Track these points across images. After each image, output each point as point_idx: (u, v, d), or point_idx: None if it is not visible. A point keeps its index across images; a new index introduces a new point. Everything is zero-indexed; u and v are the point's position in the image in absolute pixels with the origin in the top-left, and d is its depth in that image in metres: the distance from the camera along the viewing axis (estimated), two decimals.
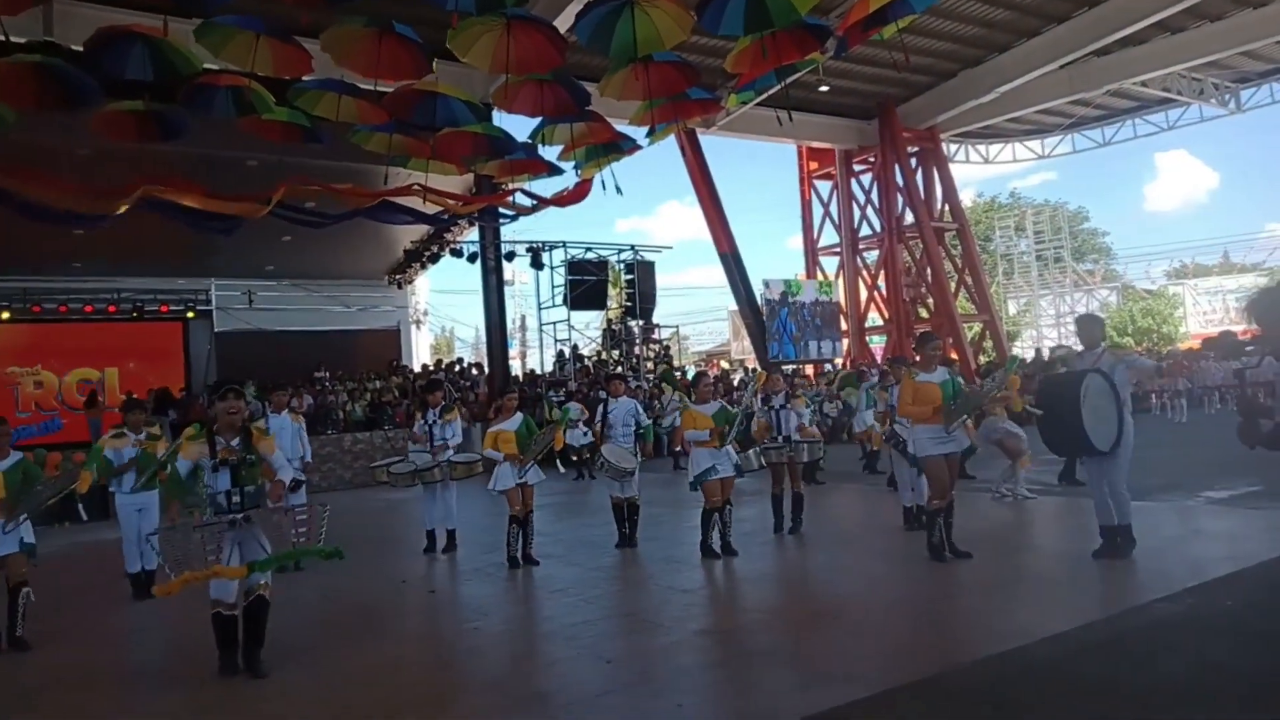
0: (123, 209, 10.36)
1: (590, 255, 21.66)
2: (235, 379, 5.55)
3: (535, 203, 13.41)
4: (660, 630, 5.34)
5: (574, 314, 21.77)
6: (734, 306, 30.95)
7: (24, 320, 19.71)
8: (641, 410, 9.19)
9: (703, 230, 33.26)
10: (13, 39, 7.77)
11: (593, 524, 9.56)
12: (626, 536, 8.26)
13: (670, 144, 16.38)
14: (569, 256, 21.12)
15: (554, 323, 21.87)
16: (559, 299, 21.29)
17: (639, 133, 11.63)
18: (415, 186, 12.16)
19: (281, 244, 18.89)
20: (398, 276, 24.27)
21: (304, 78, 9.00)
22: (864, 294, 27.67)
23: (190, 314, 21.24)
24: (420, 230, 20.46)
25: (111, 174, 10.70)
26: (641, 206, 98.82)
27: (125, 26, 7.80)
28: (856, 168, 27.30)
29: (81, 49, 7.88)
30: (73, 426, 18.12)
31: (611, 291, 23.46)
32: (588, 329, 24.97)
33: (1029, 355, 27.99)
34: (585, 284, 21.03)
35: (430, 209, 13.71)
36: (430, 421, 8.82)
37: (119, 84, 8.23)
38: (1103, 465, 6.31)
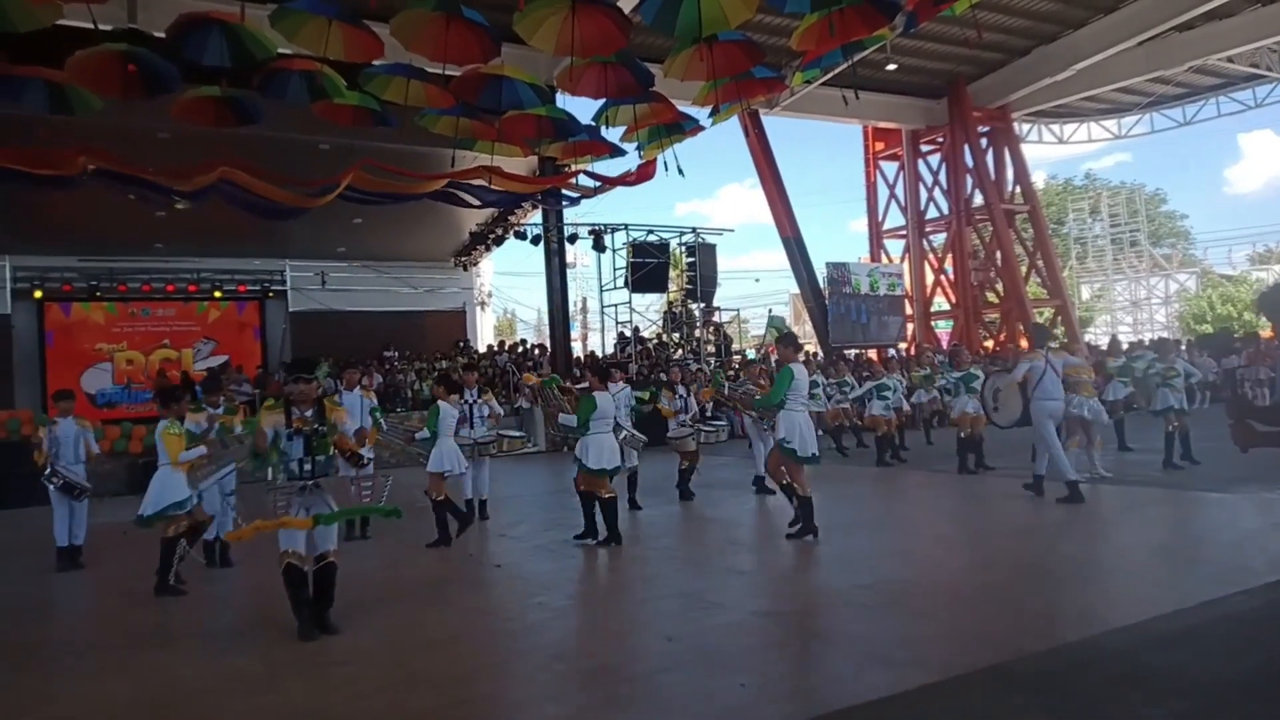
0: (198, 187, 10.79)
1: (652, 238, 21.66)
2: (310, 357, 5.77)
3: (599, 184, 13.47)
4: (720, 610, 5.36)
5: (635, 296, 21.82)
6: (796, 290, 30.65)
7: (111, 299, 20.67)
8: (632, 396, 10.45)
9: (764, 213, 32.93)
10: (99, 27, 8.04)
11: (651, 504, 9.63)
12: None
13: (731, 126, 16.27)
14: (631, 239, 21.16)
15: (615, 305, 21.97)
16: (620, 281, 21.36)
17: (702, 114, 11.59)
18: (481, 169, 12.35)
19: (352, 226, 19.34)
20: (463, 259, 24.63)
21: (374, 62, 9.18)
22: (930, 278, 27.11)
23: (269, 295, 22.16)
24: (485, 213, 20.72)
25: (190, 156, 11.04)
26: (701, 189, 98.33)
27: (204, 13, 8.02)
28: (924, 148, 26.69)
29: (163, 35, 8.14)
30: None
31: (672, 274, 23.43)
32: (648, 311, 25.02)
33: (1103, 342, 27.08)
34: (647, 266, 21.05)
35: (495, 191, 13.93)
36: (469, 401, 9.20)
37: (198, 70, 8.49)
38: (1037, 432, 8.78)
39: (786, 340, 7.89)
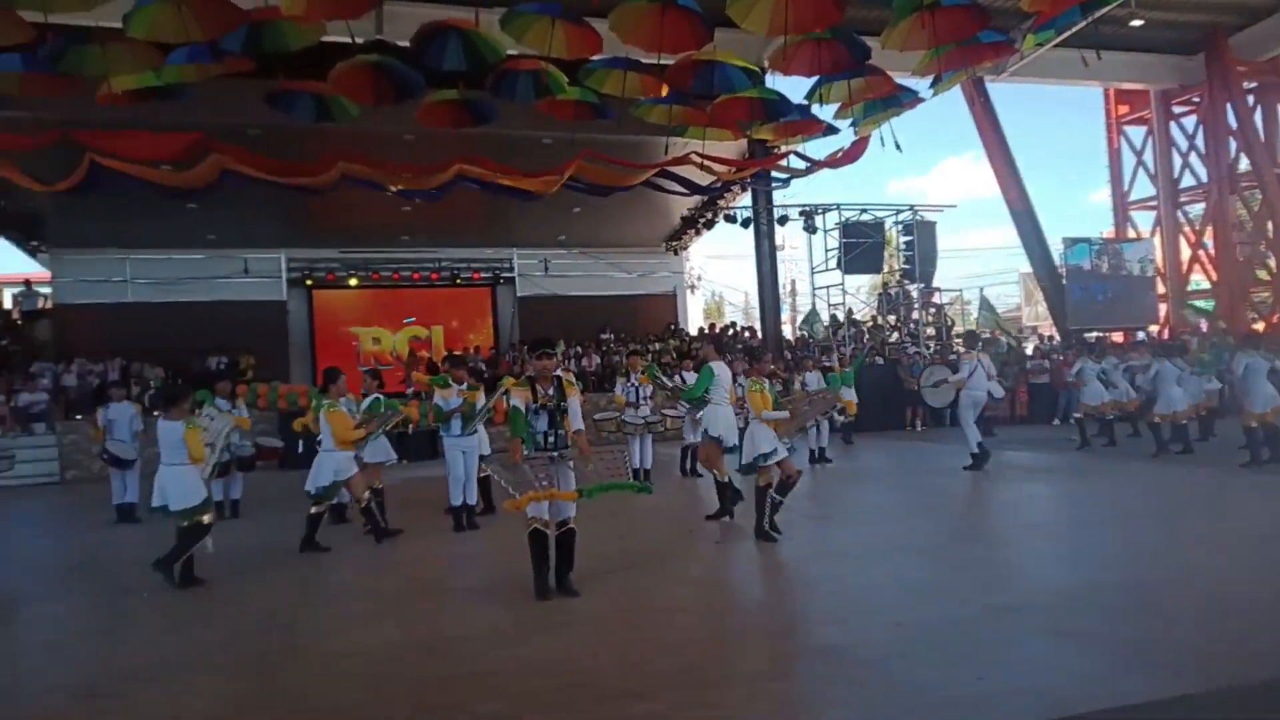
0: (440, 184, 11.77)
1: (865, 217, 20.99)
2: (549, 337, 6.16)
3: (809, 165, 13.25)
4: (953, 600, 5.18)
5: (847, 278, 21.25)
6: (1026, 268, 28.55)
7: (367, 287, 23.13)
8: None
9: (984, 187, 30.94)
10: (352, 40, 8.93)
11: (865, 491, 9.41)
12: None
13: (948, 99, 15.31)
14: (843, 219, 20.61)
15: (826, 287, 21.51)
16: (832, 262, 20.88)
17: (922, 84, 11.08)
18: (693, 155, 12.53)
19: (572, 215, 20.29)
20: (674, 243, 25.10)
21: (593, 58, 9.56)
22: (1186, 253, 24.27)
23: (499, 282, 24.03)
24: (695, 198, 21.00)
25: (432, 156, 12.04)
26: (916, 165, 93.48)
27: (443, 21, 8.72)
28: (1176, 110, 23.83)
29: (408, 45, 8.92)
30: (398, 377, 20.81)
31: (887, 254, 22.59)
32: (858, 293, 24.30)
33: None
34: (860, 246, 20.43)
35: (704, 179, 14.09)
36: (634, 384, 10.84)
37: (438, 75, 9.23)
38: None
39: (710, 341, 9.80)
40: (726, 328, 24.88)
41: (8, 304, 24.02)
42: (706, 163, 12.57)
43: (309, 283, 22.82)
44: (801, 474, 6.93)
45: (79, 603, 6.33)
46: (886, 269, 22.72)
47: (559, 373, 5.58)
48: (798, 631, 4.72)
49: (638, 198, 16.30)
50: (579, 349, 21.11)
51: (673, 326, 24.67)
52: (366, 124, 11.12)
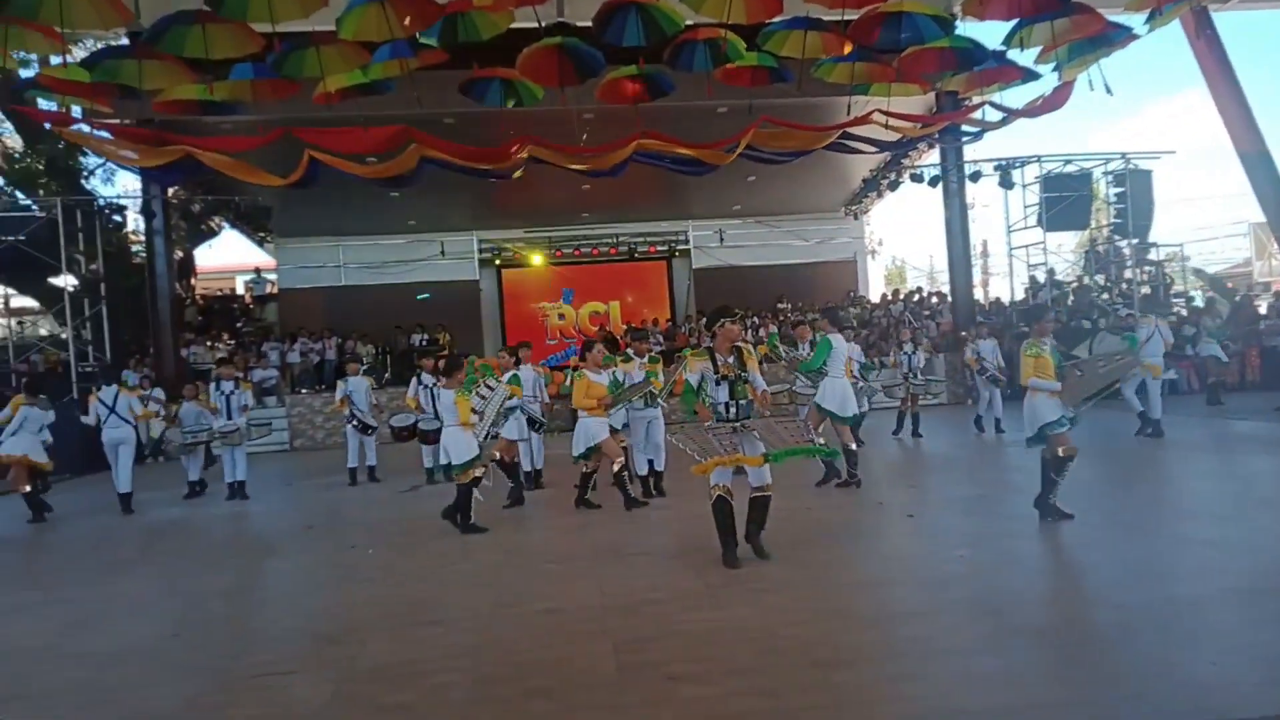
0: (620, 160, 11.96)
1: (1070, 169, 19.37)
2: (728, 306, 6.12)
3: (1006, 115, 12.38)
4: (1177, 581, 4.76)
5: (1049, 235, 19.73)
6: (1259, 218, 25.42)
7: (551, 264, 24.03)
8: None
9: (1205, 132, 27.61)
10: (539, 24, 9.20)
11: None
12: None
13: (1162, 34, 13.77)
14: (1044, 172, 19.12)
15: (1025, 246, 20.09)
16: (1031, 219, 19.45)
17: (1136, 20, 10.05)
18: (876, 113, 12.03)
19: (746, 184, 20.09)
20: (853, 208, 24.31)
21: (772, 20, 9.35)
22: None
23: (675, 254, 24.29)
24: (877, 159, 20.18)
25: (611, 133, 12.24)
26: (1123, 110, 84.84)
27: None
28: None
29: (589, 25, 9.08)
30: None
31: (1094, 207, 20.76)
32: (1059, 250, 22.47)
33: None
34: (1063, 201, 18.88)
35: (889, 137, 13.49)
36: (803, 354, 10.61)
37: (618, 51, 9.35)
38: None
39: (824, 314, 9.44)
40: (912, 293, 23.87)
41: (240, 289, 26.95)
42: (892, 121, 12.03)
43: (497, 262, 24.01)
44: (1076, 451, 6.36)
45: (314, 558, 7.04)
46: (1094, 224, 20.91)
47: (739, 343, 5.56)
48: (1009, 610, 4.47)
49: (816, 162, 15.86)
50: (755, 319, 20.98)
51: (851, 294, 23.98)
52: (550, 106, 11.46)
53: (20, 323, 21.86)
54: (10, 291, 20.37)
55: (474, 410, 7.56)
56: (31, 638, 5.15)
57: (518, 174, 11.94)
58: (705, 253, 24.25)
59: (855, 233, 25.47)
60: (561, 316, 24.32)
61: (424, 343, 20.49)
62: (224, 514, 9.60)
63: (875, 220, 28.18)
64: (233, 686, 4.08)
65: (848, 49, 9.79)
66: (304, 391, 18.17)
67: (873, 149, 13.84)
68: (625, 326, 20.76)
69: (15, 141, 24.10)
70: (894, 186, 21.85)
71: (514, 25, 8.98)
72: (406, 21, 7.89)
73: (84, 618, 5.50)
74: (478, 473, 7.36)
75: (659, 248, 24.37)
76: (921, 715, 3.35)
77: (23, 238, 15.97)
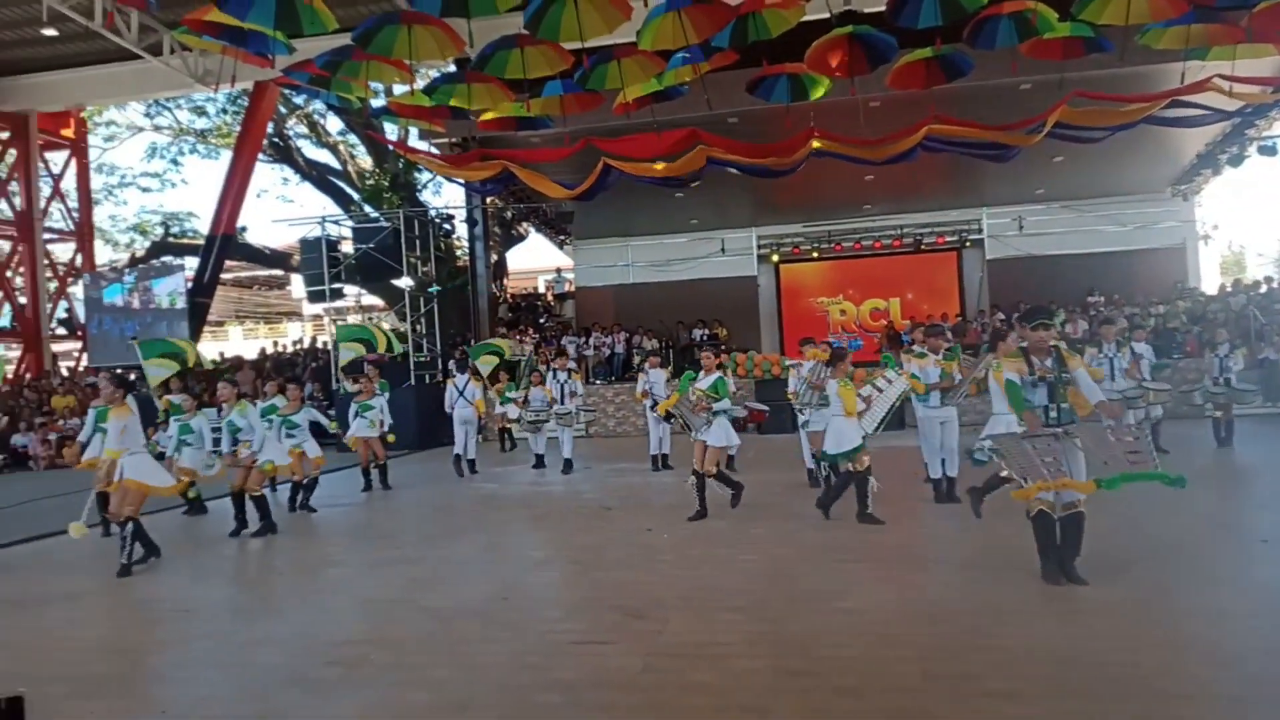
0: (907, 148, 11.47)
1: None
2: (1045, 306, 5.70)
3: None
4: None
5: None
6: None
7: (829, 258, 23.81)
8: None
9: None
10: (830, 15, 9.07)
11: None
12: None
13: None
14: None
15: None
16: None
17: None
18: (1214, 79, 10.49)
19: (1052, 166, 18.43)
20: (1183, 187, 21.40)
21: None
22: None
23: (966, 245, 22.95)
24: (1213, 130, 17.56)
25: (901, 120, 11.76)
26: None
27: None
28: None
29: (882, 9, 8.79)
30: (870, 347, 20.94)
31: None
32: None
33: None
34: None
35: (1231, 104, 11.70)
36: (1107, 355, 10.31)
37: (911, 34, 8.98)
38: None
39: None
40: (1257, 283, 20.57)
41: (541, 288, 29.47)
42: (1236, 87, 10.43)
43: (775, 258, 24.07)
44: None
45: (616, 535, 7.53)
46: None
47: (1056, 343, 5.13)
48: None
49: (1138, 137, 14.15)
50: (1063, 314, 19.17)
51: (1180, 285, 21.14)
52: (836, 97, 11.26)
53: (370, 318, 25.62)
54: (361, 291, 23.93)
55: (861, 397, 7.65)
56: (388, 589, 6.04)
57: (798, 165, 11.89)
58: (1001, 242, 22.58)
59: (1184, 215, 22.38)
60: (843, 312, 23.89)
61: (704, 337, 21.09)
62: (536, 489, 10.76)
63: (1208, 201, 24.56)
64: (555, 650, 4.50)
65: (1183, 9, 8.63)
66: (597, 382, 19.46)
67: (1212, 115, 12.11)
68: (907, 323, 19.92)
69: (366, 162, 28.24)
70: (1236, 162, 18.88)
71: (803, 19, 8.95)
72: (700, 28, 8.14)
73: (426, 576, 6.34)
74: (866, 460, 7.41)
75: (948, 238, 23.07)
76: None
77: (372, 245, 18.68)
